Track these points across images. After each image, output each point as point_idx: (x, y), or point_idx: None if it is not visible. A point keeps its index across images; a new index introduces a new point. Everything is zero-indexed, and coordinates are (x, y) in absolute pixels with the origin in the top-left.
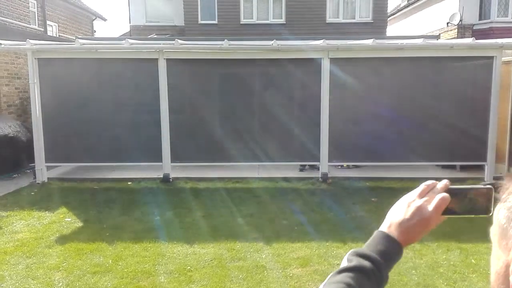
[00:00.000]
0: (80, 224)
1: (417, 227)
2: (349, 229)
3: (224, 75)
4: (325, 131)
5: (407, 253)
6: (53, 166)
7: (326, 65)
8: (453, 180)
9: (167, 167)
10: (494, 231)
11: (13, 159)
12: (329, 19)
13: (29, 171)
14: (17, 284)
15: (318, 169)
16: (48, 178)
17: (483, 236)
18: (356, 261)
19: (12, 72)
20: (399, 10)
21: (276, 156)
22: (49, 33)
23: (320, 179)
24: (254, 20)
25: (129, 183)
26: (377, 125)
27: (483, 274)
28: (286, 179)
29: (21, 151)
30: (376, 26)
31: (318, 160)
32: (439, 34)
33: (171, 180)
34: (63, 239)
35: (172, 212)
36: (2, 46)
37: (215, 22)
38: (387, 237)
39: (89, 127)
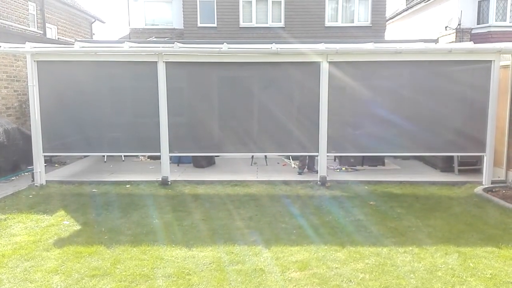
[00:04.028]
0: (78, 227)
1: None
2: (347, 232)
3: (223, 78)
4: (324, 130)
5: (405, 256)
6: (52, 169)
7: (325, 68)
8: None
9: (166, 170)
10: None
11: (11, 161)
12: (328, 22)
13: (27, 173)
14: (15, 287)
15: (317, 173)
16: (46, 181)
17: (482, 240)
18: None
19: (11, 74)
20: (398, 14)
21: (276, 150)
22: (48, 35)
23: (318, 182)
24: (253, 24)
25: (127, 186)
26: (377, 127)
27: (481, 277)
28: (285, 182)
29: (19, 153)
30: (375, 29)
31: (317, 151)
32: (438, 38)
33: (169, 183)
34: (61, 242)
35: (171, 215)
36: (1, 48)
37: (215, 25)
38: None
39: (89, 130)
